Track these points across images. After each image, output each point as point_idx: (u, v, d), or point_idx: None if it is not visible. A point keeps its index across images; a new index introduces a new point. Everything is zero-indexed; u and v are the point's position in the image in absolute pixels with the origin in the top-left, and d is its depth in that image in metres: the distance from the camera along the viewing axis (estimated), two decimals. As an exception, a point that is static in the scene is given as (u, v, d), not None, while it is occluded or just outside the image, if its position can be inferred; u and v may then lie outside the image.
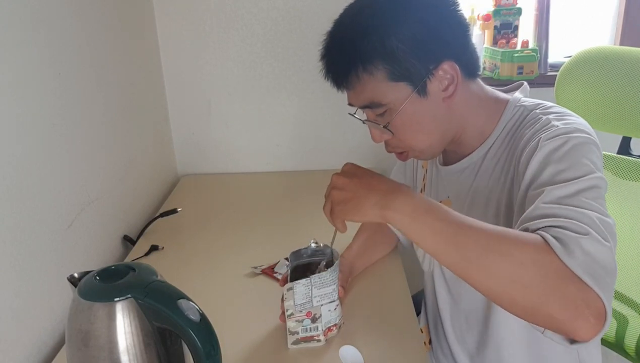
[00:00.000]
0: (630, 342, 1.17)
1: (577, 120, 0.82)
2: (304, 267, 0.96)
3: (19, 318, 0.92)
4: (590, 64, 1.17)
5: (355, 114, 0.94)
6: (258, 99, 1.74)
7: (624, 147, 1.17)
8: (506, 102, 0.91)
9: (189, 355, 0.67)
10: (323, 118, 1.77)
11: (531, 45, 1.77)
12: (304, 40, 1.67)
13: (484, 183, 0.91)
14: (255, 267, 1.19)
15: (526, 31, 1.78)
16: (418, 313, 1.05)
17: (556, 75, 1.23)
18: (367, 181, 0.77)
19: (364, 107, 0.89)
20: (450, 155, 0.98)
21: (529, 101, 0.90)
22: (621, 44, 1.79)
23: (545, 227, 0.67)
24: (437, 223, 0.69)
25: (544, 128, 0.80)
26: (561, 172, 0.73)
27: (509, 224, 0.84)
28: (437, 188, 1.02)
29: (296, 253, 0.95)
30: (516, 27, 1.72)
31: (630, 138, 1.17)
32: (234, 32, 1.67)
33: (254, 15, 1.65)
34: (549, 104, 0.88)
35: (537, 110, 0.86)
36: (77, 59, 1.15)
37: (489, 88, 0.93)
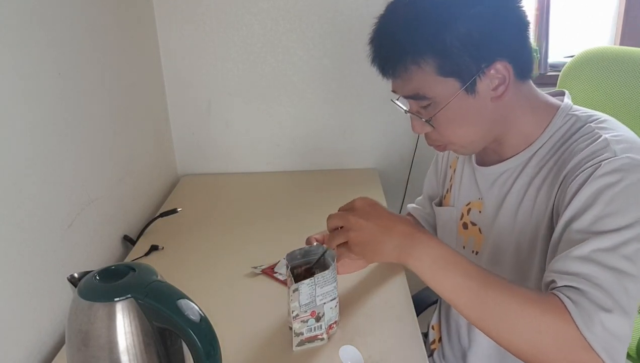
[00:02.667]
0: (631, 343, 1.17)
1: (635, 140, 0.77)
2: (298, 267, 0.95)
3: (19, 318, 0.92)
4: (593, 64, 1.17)
5: (397, 101, 0.90)
6: (258, 99, 1.74)
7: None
8: (557, 107, 0.87)
9: (189, 355, 0.67)
10: (323, 118, 1.77)
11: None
12: (304, 40, 1.67)
13: (522, 190, 0.87)
14: (255, 267, 1.19)
15: (526, 31, 1.78)
16: (418, 313, 1.05)
17: (556, 75, 1.24)
18: (384, 223, 0.78)
19: (408, 97, 0.86)
20: (489, 155, 0.94)
21: (581, 110, 0.86)
22: (621, 44, 1.79)
23: (572, 287, 0.68)
24: (458, 278, 0.72)
25: (600, 153, 0.75)
26: (605, 217, 0.71)
27: (545, 246, 0.82)
28: (469, 188, 0.99)
29: (290, 255, 0.95)
30: (516, 27, 1.72)
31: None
32: (234, 32, 1.67)
33: (254, 15, 1.65)
34: (601, 116, 0.84)
35: (592, 124, 0.81)
36: (78, 59, 1.15)
37: (539, 91, 0.89)
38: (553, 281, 0.71)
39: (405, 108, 0.89)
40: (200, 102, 1.75)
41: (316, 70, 1.71)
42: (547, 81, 1.70)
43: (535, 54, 1.69)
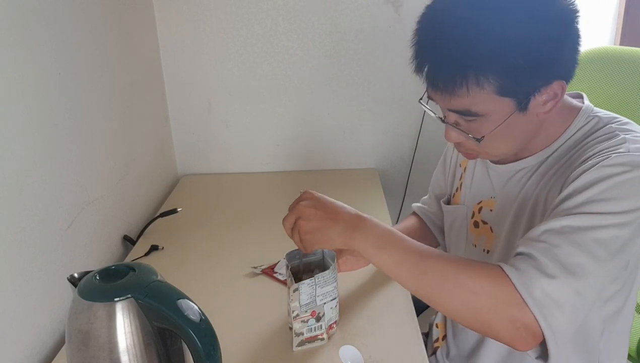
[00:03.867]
0: (631, 343, 1.17)
1: None
2: (297, 267, 0.95)
3: (19, 318, 0.92)
4: (593, 64, 1.17)
5: (425, 104, 0.86)
6: (258, 99, 1.74)
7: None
8: (578, 109, 0.86)
9: (189, 355, 0.67)
10: (323, 118, 1.77)
11: (531, 45, 1.77)
12: (304, 40, 1.67)
13: (535, 187, 0.87)
14: (255, 267, 1.19)
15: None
16: (418, 313, 1.05)
17: (556, 75, 1.23)
18: (331, 211, 0.82)
19: (455, 112, 0.80)
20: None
21: (603, 112, 0.85)
22: (621, 44, 1.79)
23: (526, 254, 0.71)
24: (399, 253, 0.77)
25: (614, 148, 0.75)
26: (597, 201, 0.71)
27: None
28: (481, 186, 0.98)
29: (289, 255, 0.95)
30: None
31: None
32: (234, 32, 1.67)
33: (254, 15, 1.65)
34: (624, 119, 0.83)
35: (613, 125, 0.80)
36: (78, 59, 1.15)
37: (565, 95, 0.87)
38: (517, 246, 0.74)
39: (436, 114, 0.86)
40: (200, 102, 1.75)
41: (316, 70, 1.70)
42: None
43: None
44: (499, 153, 0.87)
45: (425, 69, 0.78)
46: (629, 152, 0.74)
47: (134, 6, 1.50)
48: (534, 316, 0.67)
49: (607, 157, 0.74)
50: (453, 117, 0.82)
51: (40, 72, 1.01)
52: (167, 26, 1.66)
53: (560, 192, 0.79)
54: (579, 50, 0.79)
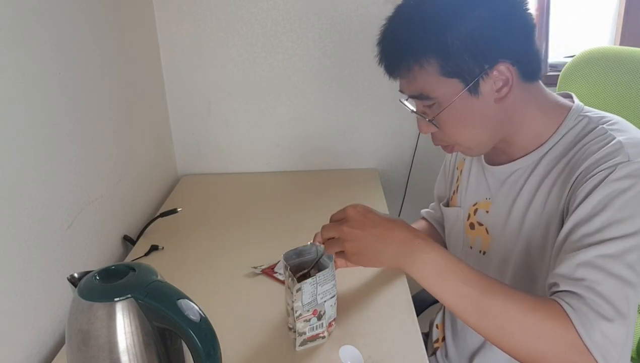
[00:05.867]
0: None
1: None
2: (296, 267, 0.96)
3: (19, 318, 0.92)
4: (593, 64, 1.17)
5: (405, 101, 0.91)
6: (258, 99, 1.74)
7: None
8: (568, 108, 0.87)
9: (189, 355, 0.67)
10: (323, 118, 1.77)
11: (531, 45, 1.77)
12: (304, 40, 1.67)
13: (533, 190, 0.87)
14: (255, 267, 1.19)
15: (526, 31, 1.78)
16: (419, 313, 1.05)
17: (556, 75, 1.24)
18: (380, 232, 0.78)
19: (413, 97, 0.87)
20: (498, 155, 0.94)
21: (593, 112, 0.86)
22: (621, 44, 1.79)
23: (574, 293, 0.69)
24: (457, 285, 0.73)
25: (614, 156, 0.75)
26: (614, 224, 0.71)
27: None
28: (477, 188, 0.99)
29: (286, 255, 0.95)
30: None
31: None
32: (234, 32, 1.67)
33: (254, 15, 1.65)
34: (613, 117, 0.84)
35: (604, 125, 0.81)
36: (78, 59, 1.15)
37: (550, 92, 0.89)
38: (556, 284, 0.72)
39: (412, 108, 0.89)
40: (200, 102, 1.75)
41: (316, 70, 1.71)
42: (547, 81, 1.68)
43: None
44: (470, 143, 0.88)
45: (378, 59, 0.86)
46: (629, 160, 0.74)
47: (134, 6, 1.50)
48: (594, 359, 0.66)
49: (612, 171, 0.74)
50: (419, 105, 0.87)
51: (40, 72, 1.01)
52: (167, 26, 1.66)
53: (567, 204, 0.79)
54: (531, 39, 0.83)
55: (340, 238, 0.80)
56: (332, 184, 1.70)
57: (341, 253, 0.81)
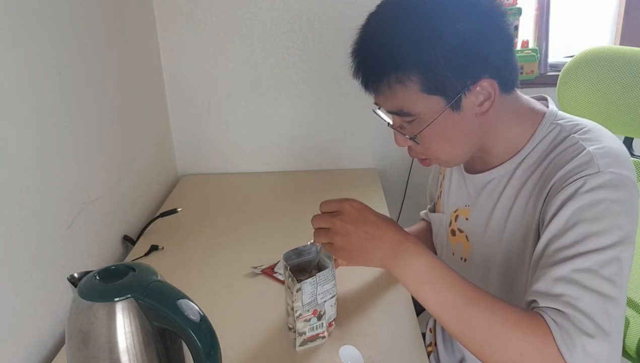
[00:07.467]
0: (631, 343, 1.17)
1: (618, 152, 0.76)
2: (296, 267, 0.96)
3: (19, 318, 0.92)
4: (593, 63, 1.17)
5: (379, 111, 0.89)
6: (258, 99, 1.74)
7: (626, 148, 1.17)
8: (542, 115, 0.86)
9: (189, 355, 0.67)
10: (323, 118, 1.77)
11: (531, 45, 1.77)
12: (303, 40, 1.67)
13: (510, 199, 0.86)
14: (255, 267, 1.19)
15: (526, 31, 1.78)
16: (418, 314, 1.05)
17: (556, 75, 1.24)
18: (372, 231, 0.77)
19: (391, 113, 0.84)
20: (476, 163, 0.93)
21: (566, 119, 0.85)
22: (621, 43, 1.79)
23: (555, 309, 0.68)
24: (443, 293, 0.72)
25: (584, 168, 0.74)
26: (588, 237, 0.70)
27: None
28: (458, 195, 0.98)
29: (285, 255, 0.95)
30: (516, 27, 1.72)
31: (633, 138, 1.16)
32: (234, 32, 1.67)
33: (254, 15, 1.65)
34: (586, 124, 0.82)
35: (576, 135, 0.80)
36: (77, 59, 1.15)
37: (524, 98, 0.88)
38: (535, 301, 0.71)
39: (389, 121, 0.88)
40: (200, 102, 1.75)
41: (316, 70, 1.70)
42: (547, 81, 1.70)
43: (535, 54, 1.69)
44: (448, 157, 0.86)
45: (353, 71, 0.82)
46: (599, 171, 0.73)
47: (134, 6, 1.50)
48: None
49: (583, 183, 0.73)
50: (397, 120, 0.85)
51: (40, 72, 1.01)
52: (167, 26, 1.66)
53: (542, 215, 0.78)
54: (511, 51, 0.81)
55: (330, 230, 0.79)
56: (332, 184, 1.70)
57: (328, 245, 0.81)
